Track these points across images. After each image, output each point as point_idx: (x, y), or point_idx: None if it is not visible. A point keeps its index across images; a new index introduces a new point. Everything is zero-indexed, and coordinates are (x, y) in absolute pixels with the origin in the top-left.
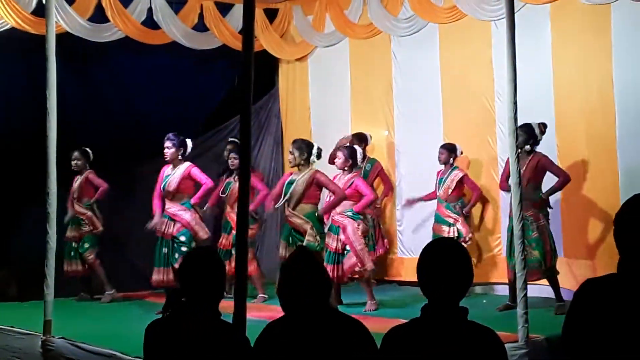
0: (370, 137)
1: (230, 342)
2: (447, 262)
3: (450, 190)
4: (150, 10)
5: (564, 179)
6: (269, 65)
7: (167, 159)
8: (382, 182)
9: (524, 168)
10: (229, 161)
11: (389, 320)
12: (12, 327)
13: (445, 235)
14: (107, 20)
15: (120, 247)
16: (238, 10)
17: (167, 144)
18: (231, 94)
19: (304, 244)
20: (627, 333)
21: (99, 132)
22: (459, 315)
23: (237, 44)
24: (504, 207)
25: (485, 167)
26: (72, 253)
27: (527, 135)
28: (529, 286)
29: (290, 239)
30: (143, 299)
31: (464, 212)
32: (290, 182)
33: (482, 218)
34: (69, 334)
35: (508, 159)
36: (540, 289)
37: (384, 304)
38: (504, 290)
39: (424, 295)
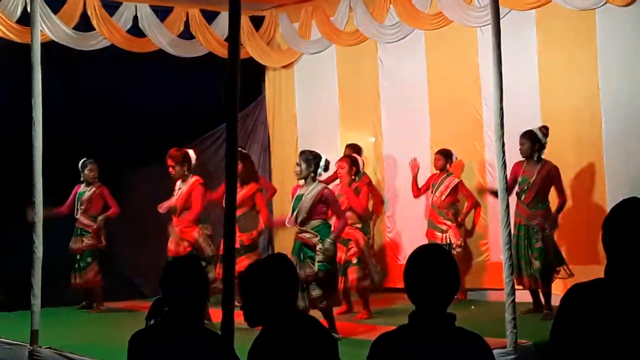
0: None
1: (215, 352)
2: (433, 269)
3: (444, 197)
4: (135, 18)
5: (562, 202)
6: (255, 73)
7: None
8: (372, 197)
9: (534, 176)
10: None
11: (376, 327)
12: None
13: (438, 241)
14: (93, 29)
15: (109, 256)
16: (224, 18)
17: (169, 162)
18: (217, 101)
19: (316, 268)
20: (614, 338)
21: (86, 141)
22: (446, 322)
23: (223, 52)
24: (492, 212)
25: (474, 172)
26: (76, 265)
27: (531, 142)
28: (517, 292)
29: (301, 254)
30: (131, 309)
31: (458, 220)
32: (299, 197)
33: (472, 224)
34: (56, 344)
35: (515, 163)
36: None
37: (373, 312)
38: (495, 296)
39: (412, 302)
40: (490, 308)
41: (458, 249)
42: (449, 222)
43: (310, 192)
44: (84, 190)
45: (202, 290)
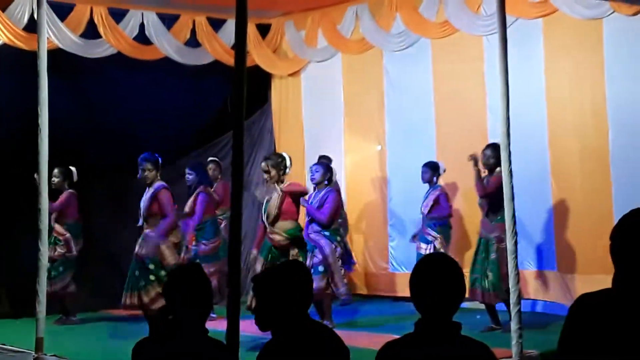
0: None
1: None
2: (439, 277)
3: (427, 209)
4: (142, 26)
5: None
6: (261, 81)
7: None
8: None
9: (492, 188)
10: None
11: (382, 335)
12: (3, 344)
13: (423, 252)
14: (99, 36)
15: (111, 263)
16: (230, 26)
17: (147, 165)
18: (223, 109)
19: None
20: (623, 348)
21: (91, 148)
22: (452, 330)
23: (229, 60)
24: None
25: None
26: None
27: (498, 156)
28: (523, 301)
29: (270, 256)
30: (137, 317)
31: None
32: (268, 200)
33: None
34: (60, 352)
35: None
36: (533, 304)
37: (377, 320)
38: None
39: (417, 311)
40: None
41: None
42: (434, 233)
43: (275, 191)
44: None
45: (206, 298)
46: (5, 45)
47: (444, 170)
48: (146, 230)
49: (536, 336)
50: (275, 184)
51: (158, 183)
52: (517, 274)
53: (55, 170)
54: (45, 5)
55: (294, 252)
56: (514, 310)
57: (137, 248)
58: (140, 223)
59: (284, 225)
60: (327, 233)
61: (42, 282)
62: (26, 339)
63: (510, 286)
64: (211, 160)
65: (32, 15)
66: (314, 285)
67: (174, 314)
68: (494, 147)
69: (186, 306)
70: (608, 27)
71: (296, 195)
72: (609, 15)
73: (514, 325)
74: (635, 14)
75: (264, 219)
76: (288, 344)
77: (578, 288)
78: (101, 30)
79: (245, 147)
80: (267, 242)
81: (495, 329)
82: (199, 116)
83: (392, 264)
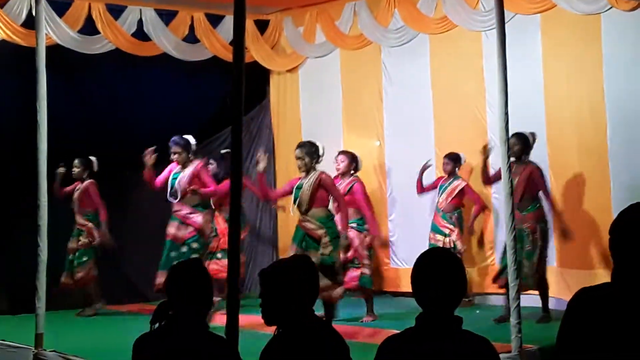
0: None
1: (220, 356)
2: (440, 272)
3: (449, 199)
4: (140, 22)
5: (550, 203)
6: (260, 77)
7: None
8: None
9: (517, 178)
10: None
11: (382, 331)
12: (3, 340)
13: (441, 245)
14: (98, 32)
15: (113, 259)
16: (229, 22)
17: (176, 148)
18: (222, 105)
19: (319, 259)
20: (622, 343)
21: (90, 144)
22: (453, 325)
23: (228, 56)
24: (496, 216)
25: (477, 177)
26: (68, 265)
27: (523, 145)
28: (522, 296)
29: (304, 243)
30: (136, 312)
31: (463, 224)
32: (299, 187)
33: (480, 229)
34: (60, 347)
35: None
36: (534, 299)
37: (378, 315)
38: (497, 301)
39: (419, 305)
40: (495, 312)
41: (463, 253)
42: (451, 226)
43: (309, 179)
44: (78, 188)
45: (206, 293)
46: (3, 41)
47: (465, 161)
48: (182, 212)
49: (535, 331)
50: (307, 172)
51: (197, 161)
52: (517, 269)
53: (76, 161)
54: (43, 2)
55: (325, 240)
56: (513, 305)
57: (174, 230)
58: (174, 200)
59: (316, 212)
60: (353, 224)
61: (42, 278)
62: (26, 335)
63: (509, 281)
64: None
65: (30, 12)
66: (347, 278)
67: (175, 309)
68: (518, 136)
69: (186, 301)
70: (606, 22)
71: (329, 186)
72: (607, 10)
73: (513, 320)
74: (633, 9)
75: (296, 205)
76: (290, 342)
77: (577, 283)
78: (99, 26)
79: (244, 143)
80: (299, 230)
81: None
82: (198, 112)
83: (393, 260)
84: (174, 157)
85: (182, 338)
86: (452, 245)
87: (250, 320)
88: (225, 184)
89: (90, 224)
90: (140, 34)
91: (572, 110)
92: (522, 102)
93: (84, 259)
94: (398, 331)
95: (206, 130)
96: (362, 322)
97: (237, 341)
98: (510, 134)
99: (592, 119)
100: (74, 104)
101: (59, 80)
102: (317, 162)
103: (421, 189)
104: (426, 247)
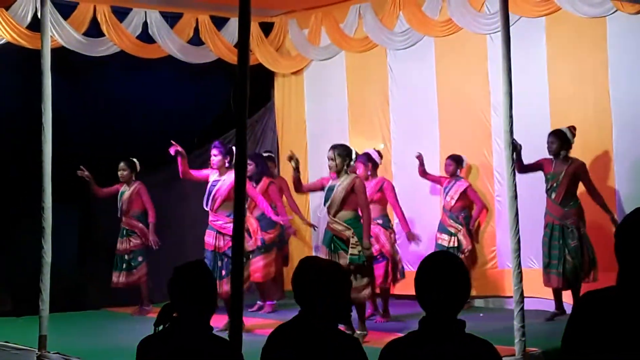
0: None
1: (223, 357)
2: (444, 275)
3: (453, 201)
4: (145, 24)
5: (599, 198)
6: (264, 79)
7: (214, 166)
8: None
9: (562, 175)
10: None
11: (385, 334)
12: (6, 342)
13: (446, 244)
14: (103, 35)
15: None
16: (233, 24)
17: (214, 151)
18: (226, 107)
19: (348, 260)
20: (627, 347)
21: (95, 146)
22: (456, 328)
23: (232, 58)
24: (499, 219)
25: (481, 179)
26: (124, 265)
27: (561, 141)
28: (526, 299)
29: (332, 245)
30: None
31: (469, 227)
32: (331, 189)
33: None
34: (64, 349)
35: (543, 159)
36: (538, 302)
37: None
38: (498, 303)
39: (422, 308)
40: (496, 315)
41: (467, 253)
42: (458, 226)
43: (342, 182)
44: (124, 190)
45: (210, 295)
46: (8, 43)
47: (466, 164)
48: (219, 222)
49: (540, 334)
50: (338, 174)
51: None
52: (520, 272)
53: (122, 164)
54: (48, 4)
55: (353, 240)
56: (516, 309)
57: (212, 240)
58: (211, 208)
59: (344, 214)
60: (380, 221)
61: (46, 280)
62: (30, 337)
63: (513, 284)
64: (268, 156)
65: (35, 14)
66: (377, 273)
67: (178, 311)
68: (554, 133)
69: (190, 303)
70: (611, 25)
71: (360, 193)
72: (612, 13)
73: (516, 323)
74: (638, 13)
75: (326, 207)
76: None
77: (582, 286)
78: (104, 28)
79: (248, 145)
80: (328, 232)
81: (559, 314)
82: (202, 114)
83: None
84: (213, 159)
85: (186, 340)
86: (457, 244)
87: (254, 322)
88: (261, 185)
89: (141, 225)
90: (145, 37)
91: (577, 112)
92: (527, 104)
93: (140, 259)
94: (400, 334)
95: (210, 133)
96: (375, 322)
97: (240, 343)
98: (514, 136)
99: (597, 121)
100: (78, 106)
101: (64, 82)
102: (348, 165)
103: (423, 174)
104: (432, 250)
